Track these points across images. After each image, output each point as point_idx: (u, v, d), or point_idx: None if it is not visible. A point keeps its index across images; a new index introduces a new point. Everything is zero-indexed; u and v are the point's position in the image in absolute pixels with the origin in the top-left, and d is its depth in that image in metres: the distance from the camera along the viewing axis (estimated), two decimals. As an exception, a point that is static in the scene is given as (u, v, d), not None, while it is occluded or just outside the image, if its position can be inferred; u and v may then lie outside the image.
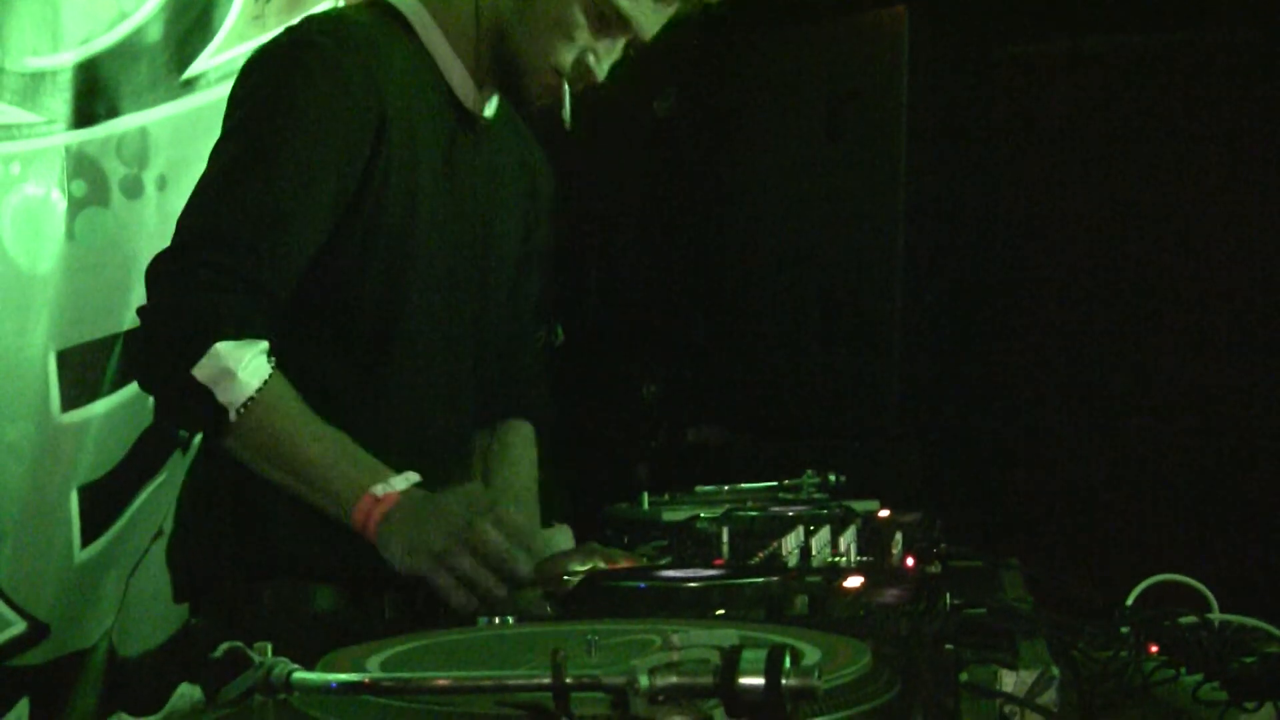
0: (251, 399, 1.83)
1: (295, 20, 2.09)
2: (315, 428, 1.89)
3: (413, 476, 1.88)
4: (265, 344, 1.86)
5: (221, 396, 1.82)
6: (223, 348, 1.81)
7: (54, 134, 2.67)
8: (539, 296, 2.45)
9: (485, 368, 2.23)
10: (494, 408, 2.32)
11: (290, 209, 1.93)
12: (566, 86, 2.12)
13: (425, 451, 2.01)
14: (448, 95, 2.13)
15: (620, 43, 2.11)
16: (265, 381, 1.84)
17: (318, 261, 1.98)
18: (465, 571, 1.76)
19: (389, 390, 2.07)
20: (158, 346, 1.90)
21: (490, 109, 2.21)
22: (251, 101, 2.01)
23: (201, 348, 1.81)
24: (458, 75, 2.13)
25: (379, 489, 1.84)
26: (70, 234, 2.70)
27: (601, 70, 2.11)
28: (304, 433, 1.88)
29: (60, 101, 2.68)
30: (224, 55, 2.98)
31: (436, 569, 1.78)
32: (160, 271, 1.91)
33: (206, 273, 1.87)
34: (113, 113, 2.78)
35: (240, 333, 1.83)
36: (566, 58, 2.07)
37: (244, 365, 1.82)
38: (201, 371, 1.81)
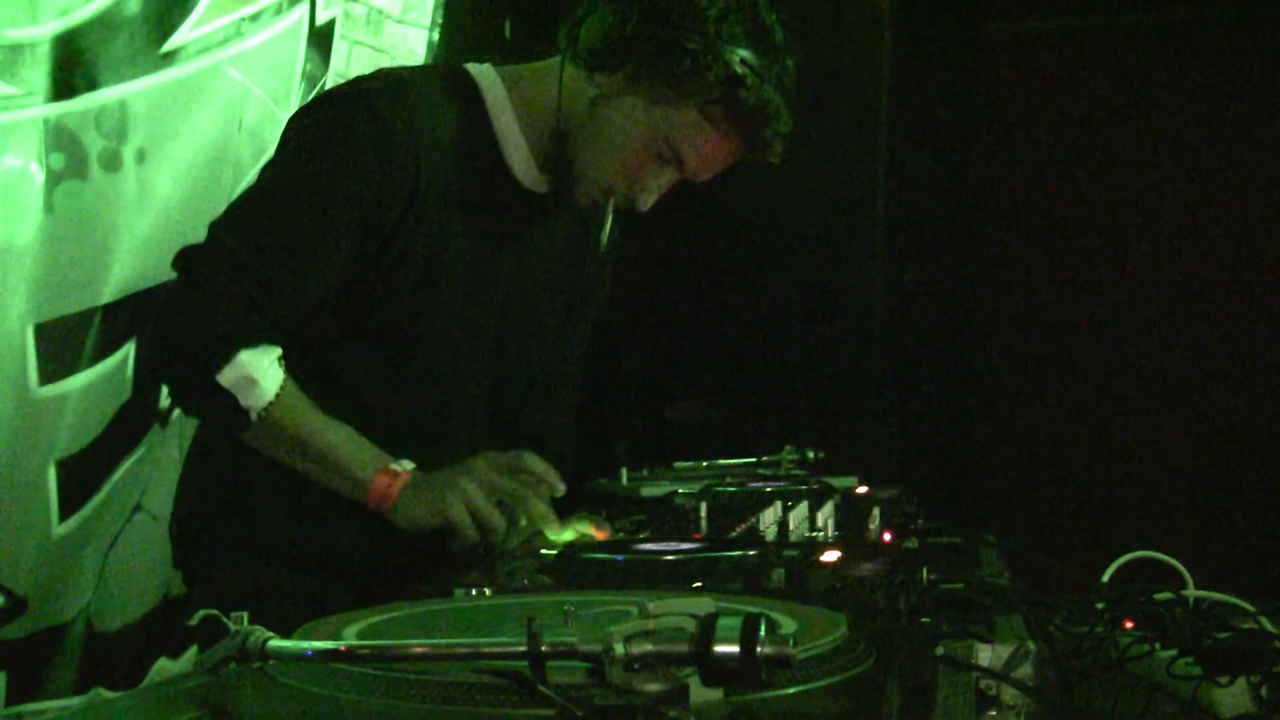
0: (270, 403, 1.98)
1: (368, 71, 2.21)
2: (327, 422, 2.04)
3: (409, 464, 2.04)
4: (279, 350, 2.01)
5: (244, 401, 1.97)
6: (245, 356, 1.96)
7: (32, 106, 2.65)
8: (587, 339, 2.50)
9: (508, 398, 2.28)
10: (524, 429, 2.33)
11: (303, 252, 2.03)
12: (611, 209, 2.22)
13: (435, 455, 2.10)
14: (499, 166, 2.15)
15: (670, 180, 2.13)
16: (281, 386, 1.99)
17: (345, 284, 2.08)
18: (479, 506, 1.94)
19: (407, 398, 2.16)
20: (180, 348, 2.02)
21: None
22: (299, 140, 2.11)
23: (226, 356, 1.94)
24: (520, 153, 2.15)
25: (395, 466, 2.03)
26: (48, 207, 2.68)
27: (647, 203, 2.14)
28: (318, 426, 2.03)
29: (39, 73, 2.65)
30: (204, 28, 2.95)
31: (455, 504, 1.95)
32: (189, 267, 2.03)
33: (228, 284, 1.98)
34: (92, 85, 2.75)
35: (258, 340, 1.97)
36: (619, 183, 2.11)
37: (264, 372, 1.97)
38: (225, 378, 1.95)
